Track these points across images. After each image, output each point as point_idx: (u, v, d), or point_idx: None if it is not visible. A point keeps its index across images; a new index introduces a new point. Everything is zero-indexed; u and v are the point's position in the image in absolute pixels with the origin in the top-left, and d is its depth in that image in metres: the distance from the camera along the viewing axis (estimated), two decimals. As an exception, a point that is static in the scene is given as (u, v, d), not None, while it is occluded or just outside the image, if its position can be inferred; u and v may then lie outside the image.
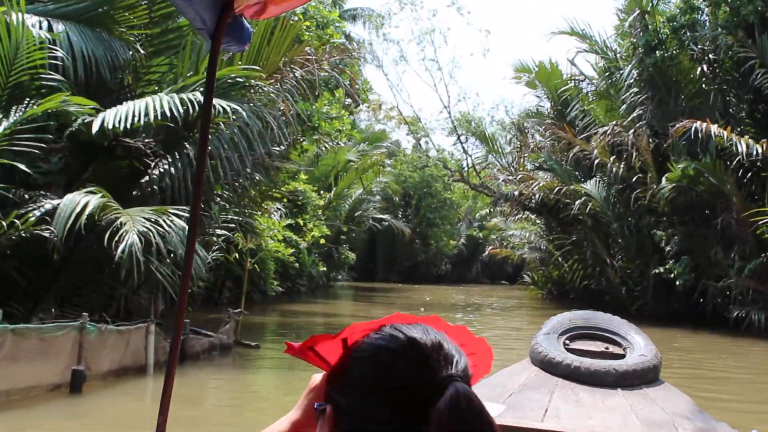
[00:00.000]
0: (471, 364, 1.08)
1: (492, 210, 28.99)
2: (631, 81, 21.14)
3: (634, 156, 19.93)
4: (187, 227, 9.85)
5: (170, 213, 9.42)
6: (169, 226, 9.14)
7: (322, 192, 26.37)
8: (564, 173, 22.95)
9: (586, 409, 4.06)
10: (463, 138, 33.46)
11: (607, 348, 4.75)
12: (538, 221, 30.01)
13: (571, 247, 25.04)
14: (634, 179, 20.32)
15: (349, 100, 17.86)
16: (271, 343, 13.93)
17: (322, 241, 23.51)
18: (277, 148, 18.79)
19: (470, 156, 32.69)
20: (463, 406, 0.95)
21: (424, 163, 37.96)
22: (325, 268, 24.71)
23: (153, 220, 9.07)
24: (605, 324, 4.98)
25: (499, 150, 28.57)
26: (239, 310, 12.23)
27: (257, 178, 17.88)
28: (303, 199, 23.33)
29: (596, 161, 20.95)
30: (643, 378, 4.43)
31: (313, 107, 15.86)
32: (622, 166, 20.53)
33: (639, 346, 4.71)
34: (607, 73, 23.11)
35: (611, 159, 20.66)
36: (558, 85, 24.17)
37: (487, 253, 42.61)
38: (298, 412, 1.17)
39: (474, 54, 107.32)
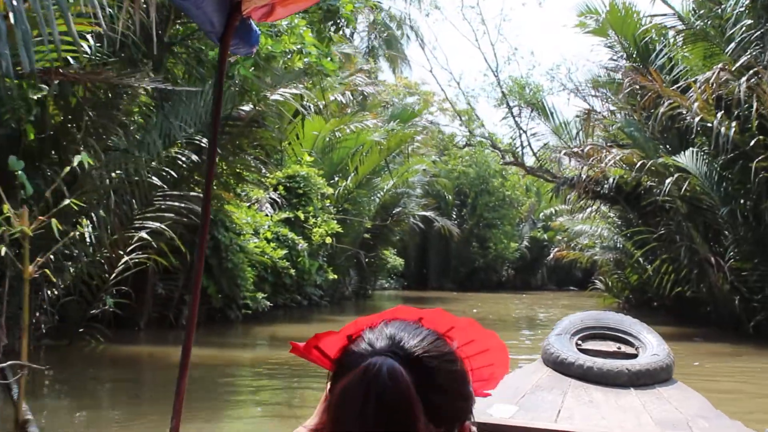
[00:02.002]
0: (485, 363, 1.18)
1: (554, 198, 22.31)
2: (742, 9, 14.71)
3: (753, 110, 13.46)
4: None
5: None
6: None
7: (336, 178, 20.45)
8: (648, 143, 16.51)
9: (599, 409, 3.95)
10: (515, 110, 26.83)
11: (619, 348, 4.64)
12: (611, 213, 23.50)
13: (657, 244, 18.53)
14: (751, 144, 13.87)
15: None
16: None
17: (329, 240, 17.56)
18: (245, 108, 13.08)
19: (525, 132, 26.03)
20: (371, 373, 0.98)
21: (467, 140, 30.85)
22: (335, 276, 18.65)
23: None
24: (617, 324, 4.82)
25: (563, 126, 21.88)
26: (14, 362, 5.90)
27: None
28: (305, 186, 17.48)
29: (696, 121, 14.49)
30: (656, 377, 4.29)
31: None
32: (732, 126, 14.05)
33: (651, 346, 4.54)
34: (702, 11, 16.67)
35: (718, 116, 14.19)
36: (635, 30, 17.77)
37: (552, 256, 36.10)
38: (315, 419, 1.22)
39: (526, 3, 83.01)
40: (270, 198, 16.77)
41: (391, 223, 26.36)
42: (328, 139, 21.17)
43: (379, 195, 23.36)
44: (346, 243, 21.98)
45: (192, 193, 12.08)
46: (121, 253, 11.15)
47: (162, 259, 11.50)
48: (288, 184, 17.39)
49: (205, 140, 12.25)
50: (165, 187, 11.88)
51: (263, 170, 16.45)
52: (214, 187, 13.93)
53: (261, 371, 10.82)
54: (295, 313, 18.82)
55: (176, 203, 11.83)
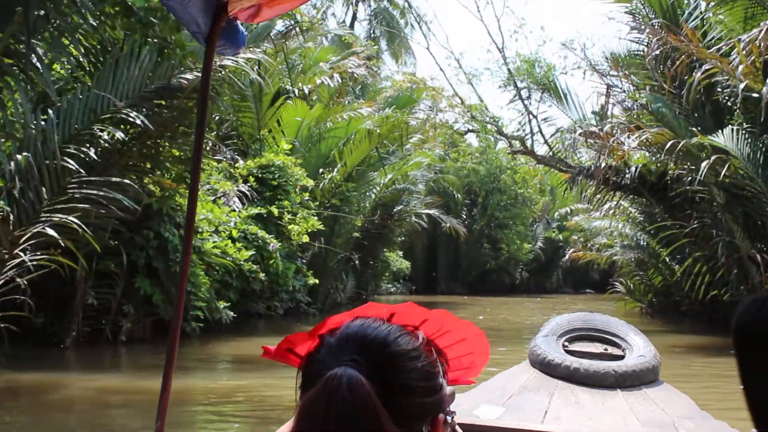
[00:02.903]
0: (463, 352, 1.18)
1: (569, 190, 19.47)
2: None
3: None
4: None
5: None
6: None
7: (322, 171, 17.87)
8: (678, 121, 13.82)
9: (586, 410, 3.92)
10: (524, 92, 23.79)
11: (606, 349, 4.61)
12: (632, 209, 20.80)
13: (687, 241, 15.83)
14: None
15: None
16: None
17: (306, 238, 14.97)
18: (187, 76, 10.59)
19: (535, 117, 23.03)
20: (331, 387, 0.95)
21: (469, 127, 27.58)
22: (317, 280, 16.05)
23: None
24: (604, 325, 4.79)
25: (578, 108, 19.01)
26: None
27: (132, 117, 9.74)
28: (281, 177, 14.93)
29: (741, 88, 11.79)
30: (643, 379, 4.26)
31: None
32: (785, 95, 11.37)
33: (638, 347, 4.54)
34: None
35: None
36: (662, -8, 15.06)
37: (567, 257, 33.47)
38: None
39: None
40: (238, 191, 14.25)
41: (392, 223, 23.77)
42: (319, 129, 18.66)
43: (374, 191, 20.74)
44: (339, 244, 19.45)
45: (114, 179, 9.55)
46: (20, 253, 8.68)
47: (69, 261, 8.97)
48: (261, 175, 14.85)
49: (133, 114, 9.74)
50: (82, 171, 9.41)
51: (223, 154, 14.04)
52: (160, 173, 11.50)
53: (216, 409, 8.23)
54: (273, 323, 16.30)
55: (96, 191, 9.35)
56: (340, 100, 21.69)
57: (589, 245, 29.09)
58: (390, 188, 21.93)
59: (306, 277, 15.39)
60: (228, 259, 12.63)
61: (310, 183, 15.55)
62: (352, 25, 30.41)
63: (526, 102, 23.52)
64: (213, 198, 13.92)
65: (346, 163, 17.82)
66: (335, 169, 17.70)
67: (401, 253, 31.62)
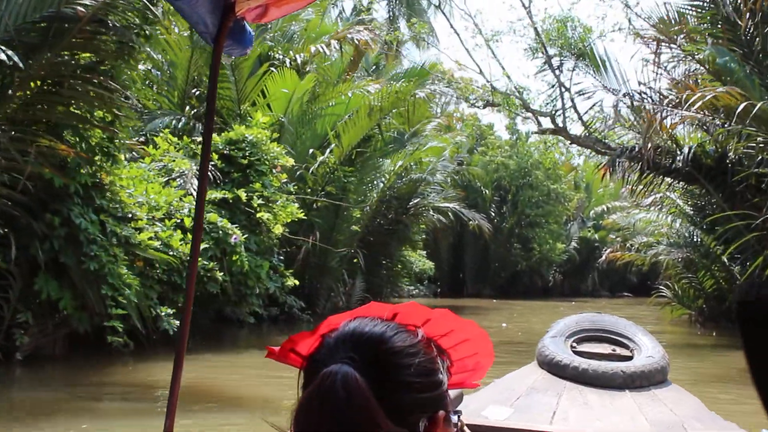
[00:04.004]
0: (468, 353, 1.11)
1: (609, 175, 15.99)
2: None
3: None
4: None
5: None
6: None
7: (311, 151, 14.87)
8: (751, 80, 10.54)
9: (594, 411, 3.85)
10: (555, 61, 20.04)
11: (614, 350, 4.49)
12: (679, 201, 17.58)
13: (757, 235, 12.60)
14: None
15: None
16: None
17: (279, 229, 11.92)
18: (85, 1, 7.66)
19: (568, 90, 19.39)
20: (326, 384, 0.92)
21: (486, 97, 23.74)
22: (297, 281, 13.02)
23: None
24: (612, 326, 4.67)
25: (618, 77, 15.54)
26: None
27: None
28: (253, 155, 11.93)
29: None
30: (651, 379, 4.15)
31: None
32: None
33: (646, 348, 4.44)
34: None
35: None
36: None
37: (604, 258, 30.23)
38: None
39: None
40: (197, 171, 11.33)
41: (408, 218, 20.73)
42: (318, 106, 15.73)
43: (383, 179, 17.69)
44: (341, 240, 16.48)
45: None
46: None
47: None
48: (228, 152, 11.88)
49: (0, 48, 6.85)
50: None
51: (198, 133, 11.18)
52: (73, 138, 8.63)
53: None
54: (259, 332, 13.47)
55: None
56: (349, 76, 18.73)
57: (627, 245, 25.90)
58: (404, 178, 18.92)
59: (284, 277, 12.38)
60: (171, 253, 9.69)
61: (290, 162, 12.54)
62: (367, 9, 27.58)
63: (556, 72, 19.87)
64: (166, 179, 11.03)
65: (342, 143, 14.77)
66: (328, 150, 14.69)
67: (424, 252, 28.76)
